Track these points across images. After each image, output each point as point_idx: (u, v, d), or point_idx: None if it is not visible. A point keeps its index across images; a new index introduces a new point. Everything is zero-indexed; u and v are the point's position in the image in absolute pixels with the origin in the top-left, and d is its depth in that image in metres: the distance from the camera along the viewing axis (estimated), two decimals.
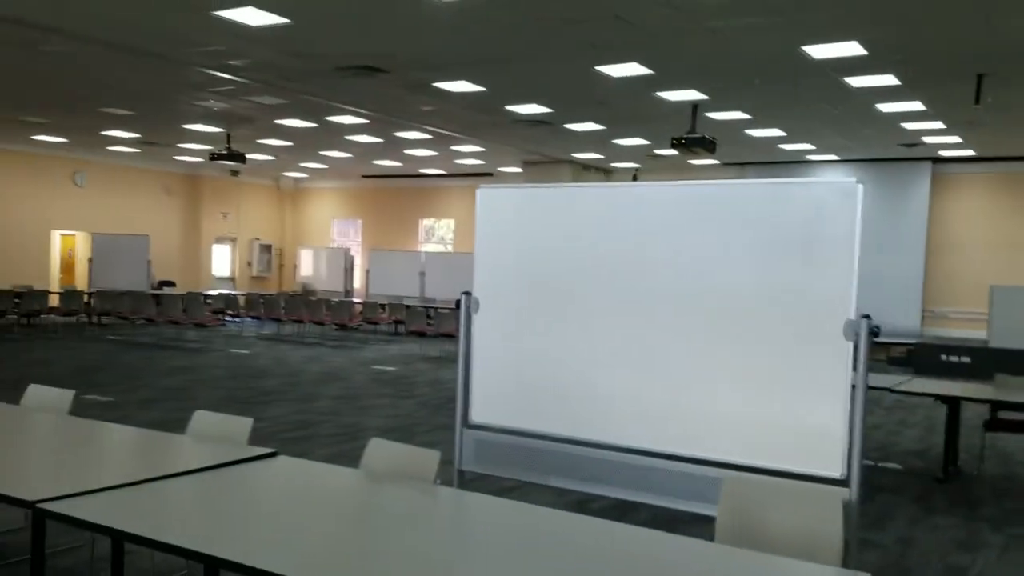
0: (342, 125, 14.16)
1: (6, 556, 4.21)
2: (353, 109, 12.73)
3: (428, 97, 11.52)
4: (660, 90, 10.52)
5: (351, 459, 3.37)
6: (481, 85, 10.66)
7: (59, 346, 13.47)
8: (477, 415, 4.21)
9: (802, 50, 8.45)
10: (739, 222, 3.65)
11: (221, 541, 2.46)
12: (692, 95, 10.76)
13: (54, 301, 15.96)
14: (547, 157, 17.27)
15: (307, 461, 3.51)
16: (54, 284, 18.63)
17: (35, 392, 4.45)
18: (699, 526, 3.37)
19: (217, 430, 3.77)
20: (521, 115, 12.62)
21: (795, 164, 16.71)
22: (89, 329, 16.21)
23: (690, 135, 11.40)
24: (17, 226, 18.22)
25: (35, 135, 16.99)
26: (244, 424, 3.72)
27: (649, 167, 18.11)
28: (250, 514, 2.78)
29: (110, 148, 18.44)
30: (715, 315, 3.69)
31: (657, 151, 15.70)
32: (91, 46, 9.33)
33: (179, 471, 3.19)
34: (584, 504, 5.24)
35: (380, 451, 3.28)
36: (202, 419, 3.86)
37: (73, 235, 19.98)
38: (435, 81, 10.56)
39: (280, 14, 7.96)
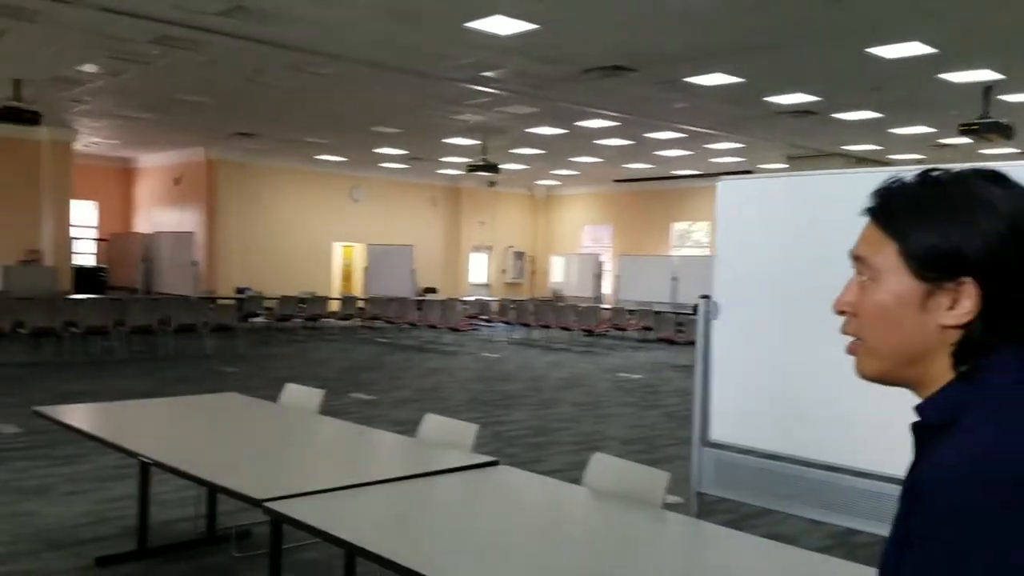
0: (591, 129, 14.11)
1: (258, 547, 4.45)
2: (602, 112, 12.62)
3: (679, 93, 11.09)
4: (945, 71, 9.30)
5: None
6: (737, 76, 10.06)
7: (335, 347, 14.64)
8: (717, 432, 3.79)
9: None
10: None
11: (431, 557, 2.32)
12: (984, 75, 9.41)
13: (334, 307, 17.43)
14: (814, 150, 16.07)
15: (527, 472, 3.33)
16: (334, 291, 20.39)
17: (291, 391, 4.68)
18: None
19: (444, 434, 3.70)
20: (783, 106, 11.78)
21: None
22: (361, 332, 17.51)
23: (982, 120, 9.98)
24: (304, 239, 20.19)
25: (318, 155, 18.74)
26: (469, 430, 3.62)
27: (935, 158, 16.24)
28: (463, 528, 2.63)
29: (382, 165, 19.88)
30: None
31: (943, 140, 14.01)
32: (355, 67, 9.99)
33: (403, 475, 3.14)
34: (844, 539, 4.60)
35: (603, 467, 3.00)
36: (431, 422, 3.81)
37: (351, 246, 21.79)
38: (686, 76, 10.13)
39: (528, 20, 7.99)
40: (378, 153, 17.96)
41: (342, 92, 11.67)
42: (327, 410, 4.40)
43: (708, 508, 4.06)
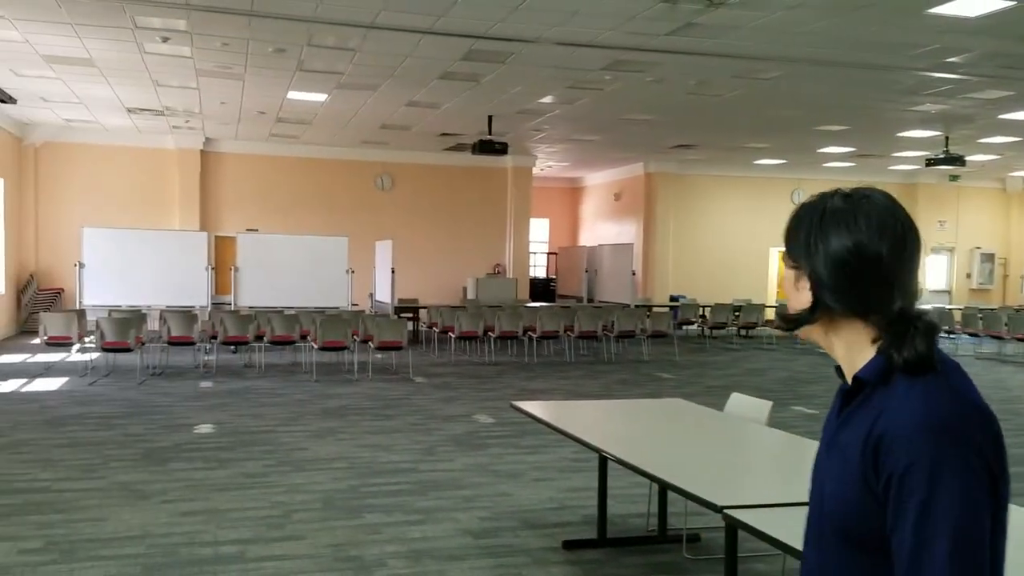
0: None
1: (707, 551, 4.48)
2: None
3: None
4: None
5: None
6: None
7: (771, 357, 14.26)
8: None
9: None
10: None
11: None
12: None
13: (770, 315, 17.00)
14: None
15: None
16: (770, 299, 19.91)
17: (737, 400, 4.64)
18: None
19: None
20: None
21: None
22: (801, 342, 16.84)
23: None
24: (739, 245, 20.04)
25: (757, 160, 18.48)
26: None
27: None
28: None
29: (825, 165, 18.90)
30: None
31: None
32: (801, 67, 9.65)
33: None
34: None
35: None
36: None
37: None
38: None
39: None
40: (822, 153, 17.14)
41: (786, 94, 11.36)
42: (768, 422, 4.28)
43: None
